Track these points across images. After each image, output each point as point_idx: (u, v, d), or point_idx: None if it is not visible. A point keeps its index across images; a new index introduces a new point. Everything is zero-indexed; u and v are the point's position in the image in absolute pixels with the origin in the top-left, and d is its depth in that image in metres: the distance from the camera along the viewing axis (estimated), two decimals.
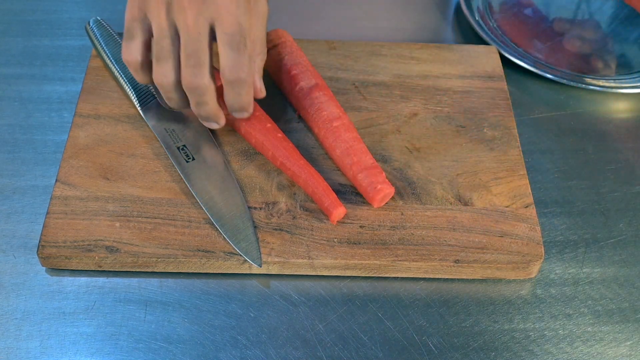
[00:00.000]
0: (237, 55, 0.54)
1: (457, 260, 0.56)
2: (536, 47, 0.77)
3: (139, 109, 0.63)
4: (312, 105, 0.62)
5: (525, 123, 0.69)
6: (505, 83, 0.70)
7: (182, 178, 0.60)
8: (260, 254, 0.55)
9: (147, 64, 0.56)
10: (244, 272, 0.57)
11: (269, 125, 0.61)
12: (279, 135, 0.61)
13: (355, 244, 0.57)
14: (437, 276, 0.57)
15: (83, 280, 0.56)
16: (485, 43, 0.75)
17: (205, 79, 0.54)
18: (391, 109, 0.67)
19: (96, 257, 0.55)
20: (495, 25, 0.79)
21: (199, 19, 0.53)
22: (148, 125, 0.63)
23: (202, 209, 0.57)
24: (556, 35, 0.78)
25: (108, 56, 0.65)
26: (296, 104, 0.64)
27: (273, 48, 0.66)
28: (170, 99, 0.57)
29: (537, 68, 0.73)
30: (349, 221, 0.58)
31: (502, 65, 0.72)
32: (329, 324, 0.55)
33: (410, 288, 0.57)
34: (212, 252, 0.56)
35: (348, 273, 0.57)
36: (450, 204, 0.60)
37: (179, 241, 0.56)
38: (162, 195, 0.59)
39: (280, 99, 0.67)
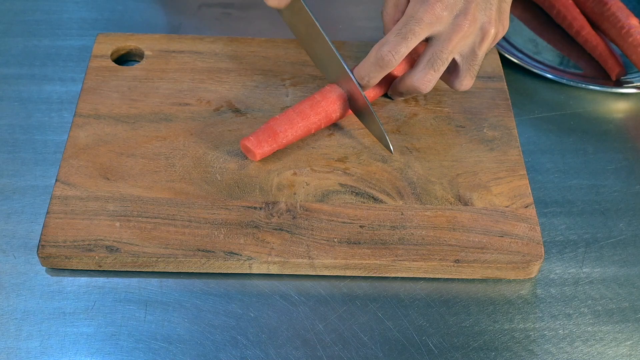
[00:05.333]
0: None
1: (457, 260, 0.56)
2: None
3: None
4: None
5: (525, 123, 0.69)
6: (505, 83, 0.70)
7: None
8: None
9: None
10: (244, 272, 0.57)
11: None
12: None
13: (355, 243, 0.57)
14: (437, 276, 0.57)
15: (83, 280, 0.56)
16: None
17: None
18: (391, 109, 0.67)
19: (96, 257, 0.55)
20: None
21: None
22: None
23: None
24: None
25: None
26: None
27: None
28: (367, 83, 0.63)
29: (537, 68, 0.73)
30: (349, 221, 0.58)
31: (502, 65, 0.72)
32: (329, 324, 0.55)
33: (410, 288, 0.57)
34: (212, 252, 0.56)
35: (348, 273, 0.57)
36: (450, 204, 0.60)
37: (179, 241, 0.56)
38: (162, 195, 0.59)
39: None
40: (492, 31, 0.60)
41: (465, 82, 0.63)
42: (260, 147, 0.60)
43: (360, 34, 0.77)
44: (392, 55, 0.59)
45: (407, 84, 0.62)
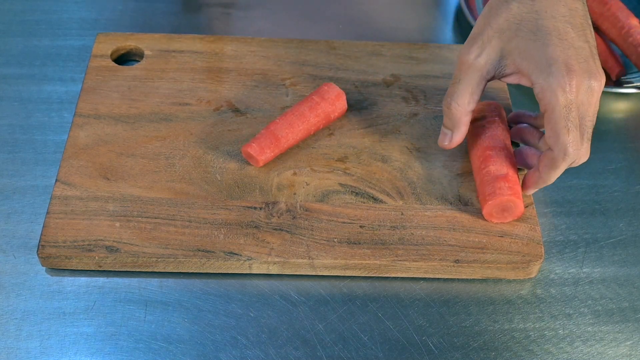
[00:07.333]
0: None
1: (457, 260, 0.56)
2: None
3: None
4: (491, 194, 0.57)
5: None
6: (505, 83, 0.70)
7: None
8: None
9: None
10: (244, 272, 0.57)
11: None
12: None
13: (355, 243, 0.57)
14: (437, 276, 0.57)
15: (83, 280, 0.56)
16: None
17: None
18: (391, 109, 0.67)
19: (96, 257, 0.55)
20: None
21: None
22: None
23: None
24: None
25: None
26: (479, 183, 0.59)
27: (482, 119, 0.62)
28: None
29: None
30: (349, 221, 0.58)
31: None
32: (329, 324, 0.55)
33: (410, 288, 0.57)
34: (212, 252, 0.56)
35: (348, 273, 0.57)
36: (450, 204, 0.60)
37: (179, 241, 0.56)
38: (162, 195, 0.59)
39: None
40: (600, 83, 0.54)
41: (585, 148, 0.55)
42: (263, 154, 0.60)
43: (360, 34, 0.77)
44: (577, 150, 0.54)
45: (575, 165, 0.56)
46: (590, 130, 0.54)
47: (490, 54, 0.55)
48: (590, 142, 0.54)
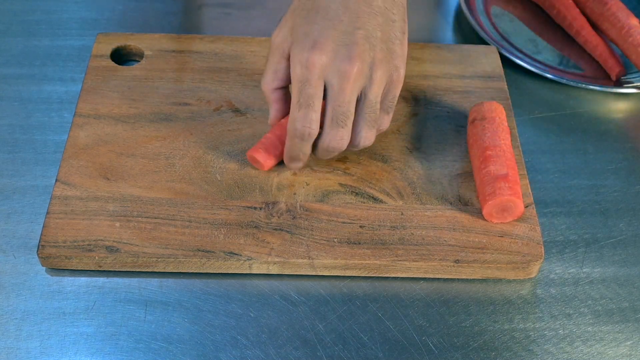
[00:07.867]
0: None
1: (457, 260, 0.56)
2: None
3: None
4: (491, 194, 0.58)
5: (525, 123, 0.69)
6: (505, 83, 0.70)
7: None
8: None
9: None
10: (244, 272, 0.57)
11: None
12: None
13: (355, 244, 0.57)
14: (437, 276, 0.57)
15: (83, 280, 0.56)
16: (485, 43, 0.75)
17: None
18: None
19: (96, 257, 0.55)
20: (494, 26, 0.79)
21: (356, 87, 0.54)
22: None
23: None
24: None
25: None
26: (479, 183, 0.60)
27: (482, 119, 0.62)
28: (303, 157, 0.58)
29: (537, 68, 0.73)
30: (349, 221, 0.58)
31: (502, 65, 0.72)
32: (329, 324, 0.55)
33: (410, 288, 0.57)
34: (212, 252, 0.56)
35: (348, 273, 0.57)
36: (450, 204, 0.60)
37: (179, 241, 0.56)
38: (162, 195, 0.59)
39: None
40: (379, 73, 0.54)
41: (363, 133, 0.57)
42: (270, 160, 0.60)
43: None
44: (308, 127, 0.55)
45: (325, 148, 0.57)
46: (344, 118, 0.55)
47: (285, 32, 0.56)
48: (348, 129, 0.56)
